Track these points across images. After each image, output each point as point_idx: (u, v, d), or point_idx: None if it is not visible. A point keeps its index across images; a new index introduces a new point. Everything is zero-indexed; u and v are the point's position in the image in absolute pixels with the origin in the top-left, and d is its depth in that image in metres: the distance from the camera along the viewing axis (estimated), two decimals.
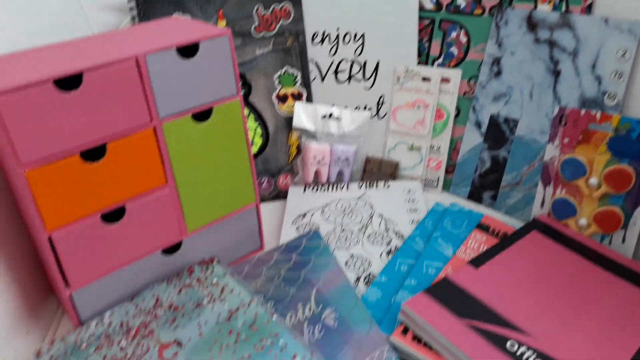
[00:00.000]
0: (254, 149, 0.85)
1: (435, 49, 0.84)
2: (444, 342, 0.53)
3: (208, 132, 0.62)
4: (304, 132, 0.85)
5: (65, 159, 0.52)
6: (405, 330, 0.56)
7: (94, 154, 0.54)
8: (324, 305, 0.60)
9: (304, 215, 0.79)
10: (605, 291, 0.60)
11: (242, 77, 0.82)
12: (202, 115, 0.61)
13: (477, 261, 0.63)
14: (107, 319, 0.61)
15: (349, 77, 0.87)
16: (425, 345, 0.54)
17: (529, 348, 0.52)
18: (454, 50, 0.83)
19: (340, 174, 0.86)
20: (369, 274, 0.67)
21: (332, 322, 0.57)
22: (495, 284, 0.60)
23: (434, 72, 0.83)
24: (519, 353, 0.52)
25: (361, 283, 0.65)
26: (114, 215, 0.59)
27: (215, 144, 0.63)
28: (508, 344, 0.53)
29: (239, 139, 0.65)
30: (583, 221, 0.70)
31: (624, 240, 0.69)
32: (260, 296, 0.62)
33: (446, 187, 0.87)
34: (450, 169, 0.86)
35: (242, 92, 0.81)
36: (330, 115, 0.86)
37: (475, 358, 0.51)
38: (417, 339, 0.55)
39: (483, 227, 0.72)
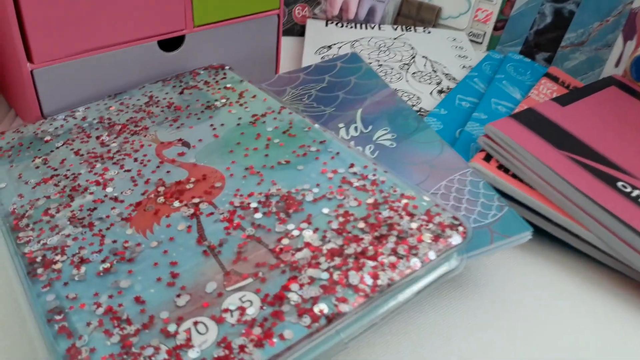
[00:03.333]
0: None
1: None
2: (542, 172, 0.40)
3: None
4: None
5: None
6: (487, 158, 0.43)
7: None
8: (374, 125, 0.46)
9: (330, 47, 0.63)
10: None
11: None
12: None
13: (562, 99, 0.50)
14: (80, 114, 0.45)
15: None
16: (514, 176, 0.42)
17: None
18: None
19: (371, 13, 0.71)
20: (420, 109, 0.53)
21: (389, 143, 0.44)
22: (588, 123, 0.48)
23: None
24: (633, 194, 0.40)
25: None
26: None
27: None
28: (619, 184, 0.41)
29: None
30: None
31: None
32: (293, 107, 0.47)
33: (492, 46, 0.73)
34: (499, 25, 0.72)
35: None
36: None
37: (586, 191, 0.39)
38: (502, 168, 0.42)
39: (552, 77, 0.60)
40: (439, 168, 0.41)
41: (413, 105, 0.53)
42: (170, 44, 0.51)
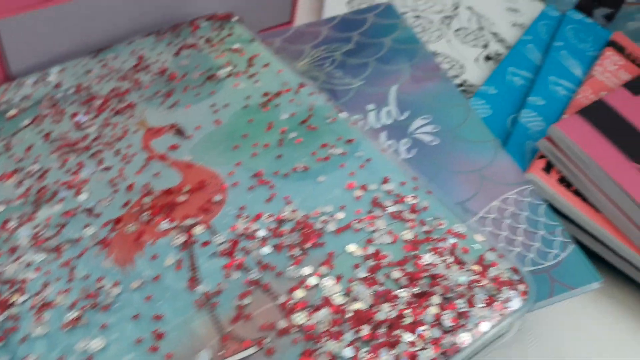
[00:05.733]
0: None
1: None
2: (611, 190, 0.33)
3: None
4: None
5: None
6: (547, 168, 0.35)
7: None
8: (413, 111, 0.38)
9: None
10: None
11: None
12: None
13: (635, 86, 0.42)
14: (54, 77, 0.36)
15: None
16: (577, 193, 0.34)
17: None
18: None
19: None
20: (464, 82, 0.44)
21: (430, 139, 0.36)
22: None
23: None
24: None
25: None
26: None
27: None
28: None
29: None
30: None
31: None
32: (315, 83, 0.39)
33: None
34: None
35: None
36: None
37: None
38: (564, 182, 0.35)
39: (617, 47, 0.50)
40: (491, 180, 0.33)
41: (455, 77, 0.45)
42: None
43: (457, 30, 0.50)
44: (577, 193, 0.34)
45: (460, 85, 0.44)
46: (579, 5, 0.60)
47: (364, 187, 0.29)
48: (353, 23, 0.45)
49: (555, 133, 0.35)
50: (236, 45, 0.39)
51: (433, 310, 0.24)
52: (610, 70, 0.47)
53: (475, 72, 0.46)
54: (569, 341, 0.32)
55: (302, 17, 0.51)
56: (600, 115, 0.37)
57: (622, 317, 0.33)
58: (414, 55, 0.41)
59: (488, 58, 0.47)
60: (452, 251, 0.27)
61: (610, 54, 0.49)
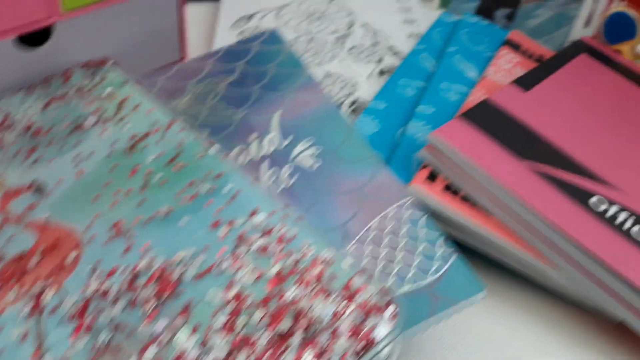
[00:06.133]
0: None
1: None
2: (497, 191, 0.32)
3: None
4: None
5: None
6: (431, 177, 0.34)
7: None
8: (295, 136, 0.36)
9: (250, 17, 0.52)
10: None
11: None
12: None
13: (525, 81, 0.42)
14: None
15: None
16: (464, 199, 0.33)
17: (622, 208, 0.33)
18: None
19: None
20: (356, 99, 0.43)
21: (311, 162, 0.35)
22: (556, 114, 0.39)
23: None
24: (609, 214, 0.32)
25: (345, 111, 0.42)
26: None
27: None
28: (593, 200, 0.33)
29: None
30: None
31: None
32: (187, 119, 0.38)
33: (444, 2, 0.63)
34: None
35: None
36: None
37: (552, 217, 0.31)
38: (450, 189, 0.34)
39: (513, 45, 0.50)
40: (371, 198, 0.32)
41: (349, 94, 0.44)
42: (36, 37, 0.40)
43: (350, 48, 0.49)
44: (465, 199, 0.33)
45: (353, 103, 0.43)
46: (480, 9, 0.61)
47: (230, 224, 0.28)
48: (238, 53, 0.44)
49: (435, 140, 0.34)
50: (107, 91, 0.37)
51: (292, 353, 0.23)
52: (505, 69, 0.47)
53: (368, 89, 0.45)
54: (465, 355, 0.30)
55: (195, 52, 0.50)
56: (484, 116, 0.36)
57: (521, 320, 0.32)
58: (297, 79, 0.40)
59: (382, 72, 0.47)
60: (318, 280, 0.25)
61: (505, 53, 0.49)
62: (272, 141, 0.36)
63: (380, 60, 0.48)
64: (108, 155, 0.33)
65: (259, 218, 0.28)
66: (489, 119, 0.36)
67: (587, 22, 0.53)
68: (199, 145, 0.32)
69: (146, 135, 0.33)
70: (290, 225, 0.27)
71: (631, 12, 0.50)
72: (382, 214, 0.31)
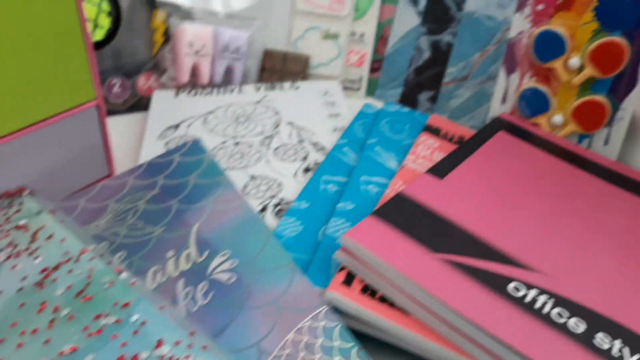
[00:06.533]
0: (99, 35, 0.57)
1: None
2: (412, 290, 0.32)
3: None
4: (173, 9, 0.59)
5: None
6: (349, 279, 0.34)
7: None
8: (212, 250, 0.36)
9: (177, 126, 0.54)
10: (609, 204, 0.43)
11: None
12: None
13: (440, 169, 0.43)
14: None
15: None
16: (383, 300, 0.33)
17: (541, 291, 0.33)
18: None
19: (228, 72, 0.61)
20: (281, 200, 0.44)
21: (228, 277, 0.34)
22: (471, 200, 0.40)
23: None
24: (528, 299, 0.32)
25: (270, 213, 0.42)
26: None
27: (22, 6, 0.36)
28: (511, 286, 0.33)
29: None
30: (558, 118, 0.53)
31: (607, 141, 0.52)
32: (102, 244, 0.37)
33: (371, 90, 0.66)
34: (376, 65, 0.65)
35: None
36: None
37: (467, 313, 0.31)
38: (368, 290, 0.34)
39: (432, 130, 0.52)
40: (287, 310, 0.32)
41: (273, 196, 0.44)
42: None
43: (276, 148, 0.50)
44: (383, 299, 0.33)
45: (277, 205, 0.44)
46: (404, 94, 0.64)
47: (135, 358, 0.27)
48: (159, 167, 0.44)
49: (347, 242, 0.34)
50: (22, 222, 0.37)
51: None
52: (424, 156, 0.48)
53: (293, 188, 0.45)
54: None
55: (125, 165, 0.51)
56: (397, 211, 0.37)
57: None
58: (216, 189, 0.41)
59: (307, 170, 0.48)
60: None
61: (424, 139, 0.51)
62: (188, 257, 0.36)
63: (305, 158, 0.49)
64: (18, 290, 0.32)
65: (164, 350, 0.27)
66: (402, 214, 0.37)
67: (504, 99, 0.56)
68: (109, 273, 0.32)
69: (57, 267, 0.33)
70: (195, 354, 0.27)
71: (542, 87, 0.53)
72: (297, 327, 0.30)
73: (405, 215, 0.37)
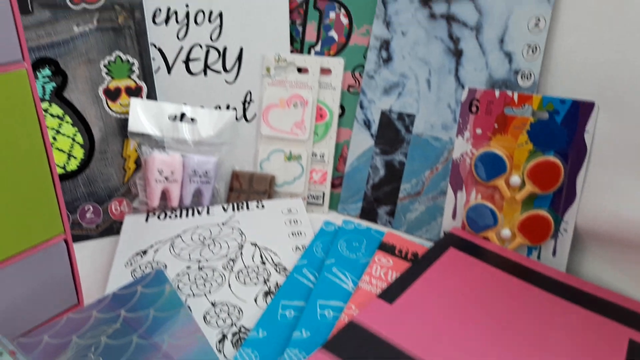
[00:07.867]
0: (73, 165, 0.61)
1: (311, 34, 0.68)
2: None
3: None
4: (144, 139, 0.63)
5: None
6: None
7: None
8: None
9: (145, 252, 0.56)
10: (558, 319, 0.45)
11: (54, 63, 0.59)
12: None
13: (390, 294, 0.45)
14: None
15: (205, 68, 0.67)
16: None
17: None
18: (334, 34, 0.67)
19: (197, 195, 0.65)
20: (240, 329, 0.46)
21: None
22: (420, 324, 0.42)
23: (312, 61, 0.66)
24: None
25: (228, 343, 0.44)
26: None
27: None
28: None
29: (27, 132, 0.42)
30: (506, 232, 0.56)
31: (554, 252, 0.55)
32: None
33: (333, 205, 0.69)
34: (337, 181, 0.69)
35: (51, 84, 0.58)
36: (182, 116, 0.65)
37: None
38: None
39: (387, 248, 0.55)
40: None
41: (232, 324, 0.46)
42: None
43: (239, 272, 0.53)
44: None
45: (236, 333, 0.45)
46: (364, 209, 0.67)
47: None
48: (123, 298, 0.46)
49: None
50: None
51: None
52: (379, 276, 0.51)
53: (253, 313, 0.47)
54: None
55: (93, 292, 0.52)
56: (347, 342, 0.39)
57: None
58: (175, 322, 0.43)
59: (267, 293, 0.50)
60: None
61: (379, 258, 0.53)
62: None
63: (266, 281, 0.51)
64: None
65: None
66: (351, 345, 0.39)
67: (454, 215, 0.59)
68: None
69: None
70: None
71: (488, 204, 0.57)
72: None
73: (355, 346, 0.39)
